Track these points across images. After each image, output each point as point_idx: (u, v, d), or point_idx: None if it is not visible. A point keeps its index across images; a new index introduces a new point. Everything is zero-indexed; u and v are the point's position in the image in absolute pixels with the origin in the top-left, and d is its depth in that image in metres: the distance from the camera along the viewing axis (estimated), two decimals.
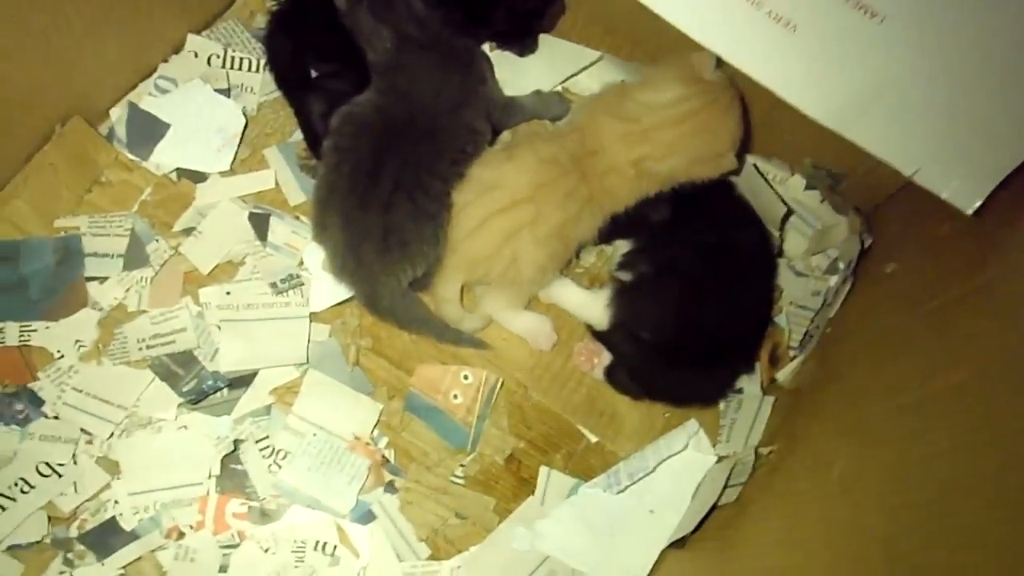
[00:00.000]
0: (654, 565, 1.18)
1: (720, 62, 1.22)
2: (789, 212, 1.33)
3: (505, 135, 1.40)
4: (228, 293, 1.25)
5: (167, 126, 1.33)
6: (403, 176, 1.18)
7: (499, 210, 1.20)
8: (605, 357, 1.32)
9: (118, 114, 1.34)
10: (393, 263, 1.19)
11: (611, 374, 1.32)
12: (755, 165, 1.39)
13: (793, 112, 1.31)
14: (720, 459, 1.25)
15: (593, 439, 1.31)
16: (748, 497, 1.21)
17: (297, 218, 1.32)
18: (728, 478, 1.19)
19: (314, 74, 1.38)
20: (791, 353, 1.35)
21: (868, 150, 0.97)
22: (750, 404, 1.31)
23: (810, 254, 1.39)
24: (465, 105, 1.26)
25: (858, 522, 0.91)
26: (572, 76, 1.46)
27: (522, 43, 1.46)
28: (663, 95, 1.21)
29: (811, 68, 0.94)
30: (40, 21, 1.13)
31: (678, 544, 1.17)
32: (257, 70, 1.40)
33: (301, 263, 1.29)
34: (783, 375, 1.33)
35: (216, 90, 1.36)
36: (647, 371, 1.30)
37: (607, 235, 1.29)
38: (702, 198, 1.28)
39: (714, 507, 1.17)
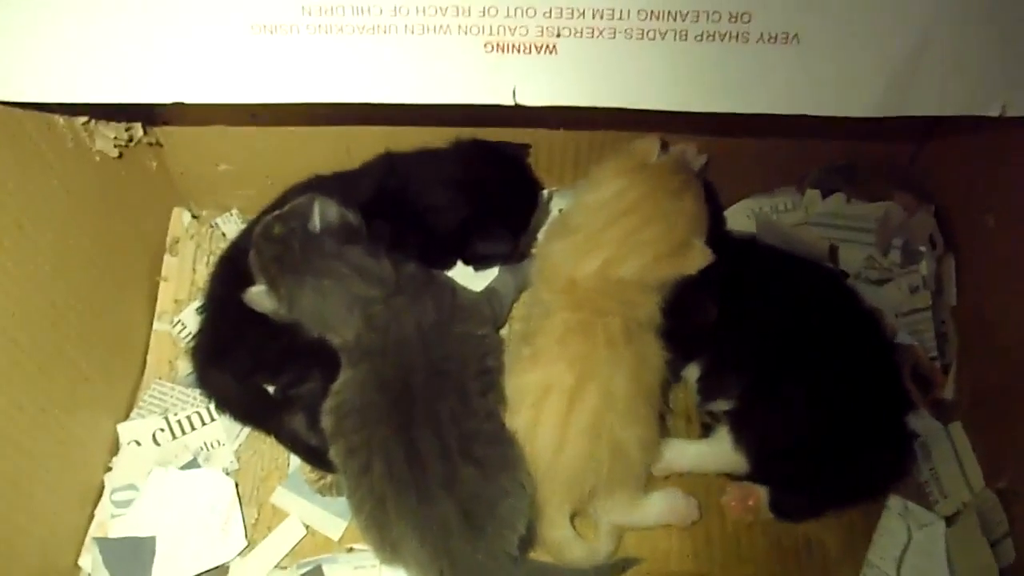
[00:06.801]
0: None
1: (666, 145, 1.09)
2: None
3: (514, 328, 1.23)
4: None
5: (152, 540, 1.08)
6: (444, 439, 0.97)
7: (566, 412, 1.00)
8: (760, 493, 1.11)
9: (91, 559, 1.08)
10: (493, 540, 0.96)
11: (778, 507, 1.10)
12: (762, 211, 1.25)
13: (773, 135, 1.18)
14: (951, 518, 1.06)
15: None
16: None
17: (350, 550, 1.08)
18: (983, 533, 0.99)
19: (271, 389, 1.17)
20: (937, 364, 1.14)
21: (936, 112, 0.80)
22: (938, 443, 1.11)
23: (881, 254, 1.21)
24: (453, 320, 1.08)
25: None
26: None
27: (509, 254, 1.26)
28: (603, 192, 1.07)
29: (827, 67, 0.78)
30: None
31: None
32: (212, 419, 1.17)
33: None
34: (947, 391, 1.13)
35: (182, 468, 1.14)
36: (814, 481, 1.09)
37: (677, 363, 1.12)
38: (736, 278, 1.12)
39: None
